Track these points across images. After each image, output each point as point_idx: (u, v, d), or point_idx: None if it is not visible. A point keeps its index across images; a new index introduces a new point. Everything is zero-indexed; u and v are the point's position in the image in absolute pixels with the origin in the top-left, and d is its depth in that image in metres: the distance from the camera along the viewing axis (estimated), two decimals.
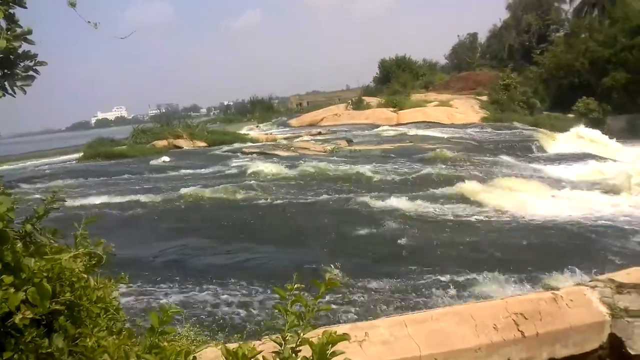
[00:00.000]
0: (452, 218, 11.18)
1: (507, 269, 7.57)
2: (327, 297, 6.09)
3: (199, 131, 31.68)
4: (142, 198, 13.14)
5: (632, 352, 3.47)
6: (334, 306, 5.97)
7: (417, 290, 6.96)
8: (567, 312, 3.46)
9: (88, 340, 1.86)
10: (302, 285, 2.58)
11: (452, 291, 6.84)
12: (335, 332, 2.45)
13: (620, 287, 3.72)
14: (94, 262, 2.25)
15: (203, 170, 18.24)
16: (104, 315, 2.05)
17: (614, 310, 3.54)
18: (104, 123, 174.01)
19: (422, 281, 7.33)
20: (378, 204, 11.79)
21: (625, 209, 12.27)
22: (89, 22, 2.33)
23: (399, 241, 9.42)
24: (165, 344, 2.08)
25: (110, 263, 2.22)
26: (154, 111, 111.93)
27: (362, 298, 6.61)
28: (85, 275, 2.03)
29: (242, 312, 6.18)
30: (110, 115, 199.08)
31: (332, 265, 2.47)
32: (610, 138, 26.12)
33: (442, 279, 7.35)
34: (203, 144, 28.35)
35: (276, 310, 2.53)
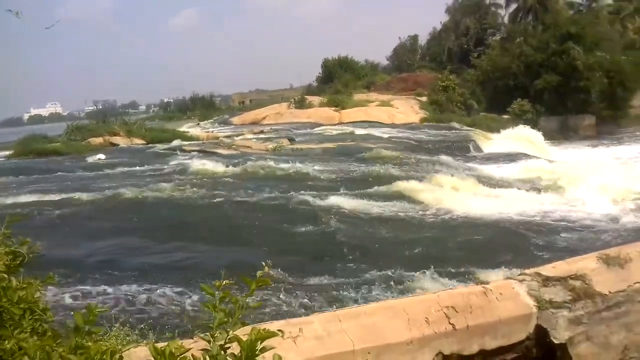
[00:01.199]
0: (390, 215, 11.36)
1: (442, 265, 7.76)
2: (264, 295, 6.07)
3: (137, 128, 30.82)
4: (76, 196, 12.66)
5: (556, 341, 3.61)
6: (269, 303, 5.97)
7: (355, 287, 7.04)
8: (496, 305, 3.56)
9: (7, 342, 1.77)
10: (232, 282, 2.54)
11: (389, 286, 6.95)
12: (265, 328, 2.43)
13: (546, 280, 3.86)
14: (18, 262, 2.16)
15: (140, 168, 17.76)
16: (29, 317, 1.97)
17: (540, 302, 3.67)
18: (37, 119, 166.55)
19: (360, 277, 7.43)
20: (319, 202, 11.83)
21: (554, 206, 12.84)
22: (9, 10, 2.22)
23: (338, 239, 9.49)
24: (91, 344, 2.01)
25: (40, 263, 2.13)
26: (90, 108, 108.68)
27: (300, 295, 6.62)
28: (6, 276, 1.95)
29: (176, 311, 6.08)
30: (44, 112, 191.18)
31: (263, 263, 2.43)
32: (543, 138, 27.23)
33: (380, 274, 7.46)
34: (141, 141, 27.60)
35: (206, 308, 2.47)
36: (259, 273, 2.48)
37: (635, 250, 4.28)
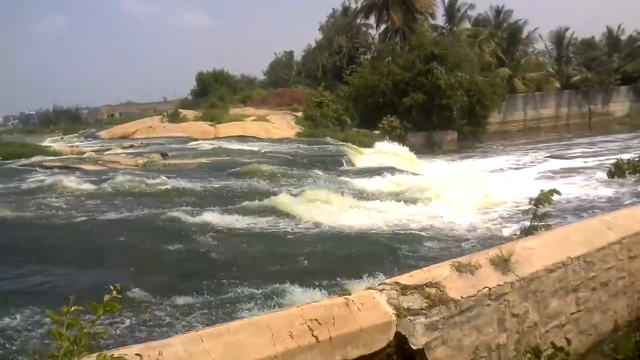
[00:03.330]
0: (264, 231, 11.35)
1: (312, 278, 7.86)
2: (125, 318, 5.78)
3: None
4: None
5: (414, 347, 3.78)
6: (130, 326, 5.68)
7: (224, 305, 6.91)
8: (357, 315, 3.66)
9: None
10: (80, 308, 2.39)
11: (260, 302, 6.92)
12: (112, 354, 2.30)
13: (404, 289, 4.03)
14: None
15: None
16: None
17: (399, 310, 3.82)
18: None
19: (231, 295, 7.31)
20: (190, 219, 11.53)
21: (419, 217, 13.57)
22: None
23: (209, 256, 9.30)
24: None
25: None
26: None
27: (164, 316, 6.38)
28: None
29: (24, 341, 5.58)
30: None
31: (111, 287, 2.32)
32: (411, 152, 28.70)
33: (251, 291, 7.39)
34: None
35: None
36: (106, 297, 2.36)
37: (484, 257, 4.61)
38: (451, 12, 52.22)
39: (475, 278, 4.35)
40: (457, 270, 4.31)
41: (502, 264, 4.54)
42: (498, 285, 4.42)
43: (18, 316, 6.36)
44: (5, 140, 31.55)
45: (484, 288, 4.32)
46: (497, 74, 46.26)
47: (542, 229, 6.03)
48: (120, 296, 2.27)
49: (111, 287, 2.38)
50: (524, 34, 53.86)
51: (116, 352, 2.42)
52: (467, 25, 53.44)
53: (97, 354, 2.20)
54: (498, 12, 54.18)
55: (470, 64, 40.72)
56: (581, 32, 62.37)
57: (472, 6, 52.28)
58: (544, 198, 6.17)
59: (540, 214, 6.32)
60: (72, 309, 2.24)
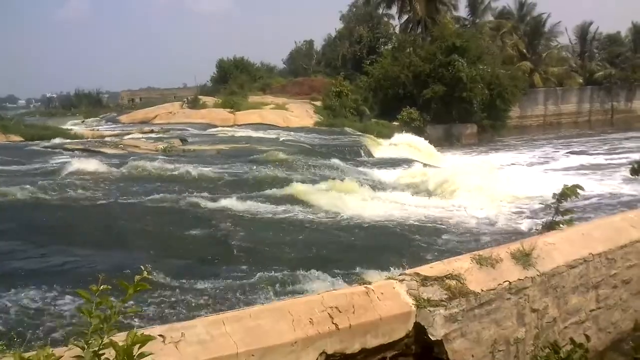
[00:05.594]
0: (282, 218, 11.41)
1: (330, 266, 7.91)
2: (148, 300, 5.88)
3: (15, 124, 28.70)
4: None
5: (433, 338, 3.79)
6: (152, 308, 5.79)
7: (243, 289, 6.99)
8: (377, 305, 3.68)
9: None
10: (109, 287, 2.44)
11: (278, 289, 6.98)
12: (142, 333, 2.35)
13: (424, 280, 4.04)
14: None
15: (17, 167, 16.47)
16: None
17: (418, 301, 3.83)
18: None
19: (250, 280, 7.38)
20: (210, 204, 11.62)
21: (437, 209, 13.53)
22: None
23: (228, 241, 9.39)
24: None
25: None
26: None
27: (185, 299, 6.47)
28: None
29: (50, 318, 5.71)
30: None
31: (142, 267, 2.36)
32: (429, 144, 28.55)
33: (269, 277, 7.46)
34: (19, 138, 25.65)
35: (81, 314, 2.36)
36: (136, 277, 2.40)
37: (505, 251, 4.59)
38: (474, 4, 51.62)
39: (496, 271, 4.33)
40: (478, 263, 4.29)
41: (523, 258, 4.52)
42: (519, 279, 4.40)
43: (41, 294, 6.50)
44: (28, 123, 31.91)
45: (504, 282, 4.30)
46: (518, 67, 45.73)
47: (564, 224, 5.97)
48: (150, 277, 2.31)
49: (142, 268, 2.42)
50: (547, 27, 53.17)
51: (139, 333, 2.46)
52: (489, 17, 52.85)
53: (127, 332, 2.25)
54: (521, 4, 53.47)
55: (492, 57, 40.30)
56: (606, 27, 61.38)
57: None
58: (568, 193, 6.11)
59: (563, 209, 6.26)
60: (101, 287, 2.28)
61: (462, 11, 50.89)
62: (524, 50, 50.26)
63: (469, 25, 49.75)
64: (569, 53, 56.27)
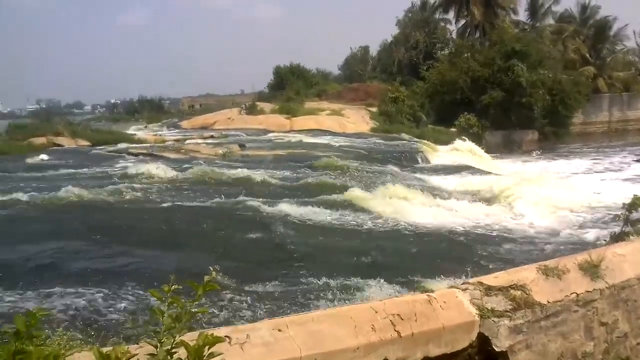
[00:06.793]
0: (339, 224, 11.42)
1: (389, 273, 7.85)
2: (210, 301, 6.00)
3: (82, 129, 29.98)
4: (16, 198, 12.13)
5: (497, 349, 3.71)
6: (216, 309, 5.90)
7: (302, 294, 7.03)
8: (440, 313, 3.64)
9: None
10: (180, 287, 2.51)
11: (337, 294, 6.99)
12: (212, 334, 2.41)
13: (488, 290, 3.96)
14: None
15: (85, 171, 17.22)
16: None
17: (482, 311, 3.76)
18: None
19: (308, 285, 7.42)
20: (268, 209, 11.77)
21: (497, 218, 13.22)
22: None
23: (286, 246, 9.47)
24: (32, 348, 1.95)
25: None
26: (33, 106, 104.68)
27: (247, 301, 6.57)
28: None
29: (121, 316, 5.92)
30: None
31: (210, 268, 2.42)
32: (488, 152, 27.99)
33: (328, 282, 7.48)
34: (86, 142, 26.78)
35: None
36: (206, 278, 2.46)
37: (572, 262, 4.45)
38: (534, 8, 50.30)
39: (563, 283, 4.21)
40: (544, 274, 4.18)
41: (592, 269, 4.37)
42: (586, 291, 4.25)
43: (108, 293, 6.74)
44: (94, 128, 33.26)
45: (571, 294, 4.17)
46: (581, 72, 44.24)
47: (634, 235, 5.74)
48: (219, 277, 2.36)
49: (210, 268, 2.47)
50: (613, 31, 51.13)
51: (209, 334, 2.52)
52: (550, 21, 51.39)
53: (196, 332, 2.30)
54: (584, 7, 51.66)
55: (553, 61, 39.17)
56: None
57: (556, 1, 50.30)
58: (638, 203, 5.87)
59: (632, 219, 6.02)
60: (173, 287, 2.34)
61: (522, 15, 49.81)
62: (587, 55, 48.54)
63: (528, 30, 48.52)
64: (636, 57, 53.94)
